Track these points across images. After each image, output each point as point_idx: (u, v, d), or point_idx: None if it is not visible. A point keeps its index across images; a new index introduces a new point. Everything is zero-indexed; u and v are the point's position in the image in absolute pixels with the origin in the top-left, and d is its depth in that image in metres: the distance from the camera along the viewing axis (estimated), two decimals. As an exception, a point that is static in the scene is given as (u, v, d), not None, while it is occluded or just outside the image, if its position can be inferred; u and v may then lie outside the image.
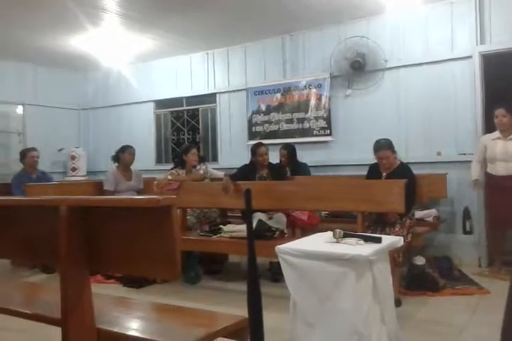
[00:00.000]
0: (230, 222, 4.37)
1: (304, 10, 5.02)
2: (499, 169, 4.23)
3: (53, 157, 7.30)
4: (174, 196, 1.53)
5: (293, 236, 3.99)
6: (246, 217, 1.95)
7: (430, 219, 4.55)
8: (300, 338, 2.38)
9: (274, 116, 6.02)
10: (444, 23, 4.95)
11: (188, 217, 4.63)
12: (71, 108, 7.77)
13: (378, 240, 2.44)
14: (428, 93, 5.05)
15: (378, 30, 5.30)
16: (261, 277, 2.72)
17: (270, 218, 4.31)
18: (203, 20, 5.33)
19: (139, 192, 5.27)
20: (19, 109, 7.03)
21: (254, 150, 4.60)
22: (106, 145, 7.41)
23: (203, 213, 4.73)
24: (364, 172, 4.17)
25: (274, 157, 5.09)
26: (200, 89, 6.74)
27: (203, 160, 5.11)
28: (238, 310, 1.98)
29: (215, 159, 6.63)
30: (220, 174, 4.85)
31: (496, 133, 4.28)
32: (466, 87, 4.82)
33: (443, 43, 4.97)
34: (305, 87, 5.78)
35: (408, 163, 4.04)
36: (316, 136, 5.72)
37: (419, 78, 5.10)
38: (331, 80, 5.59)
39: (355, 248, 2.32)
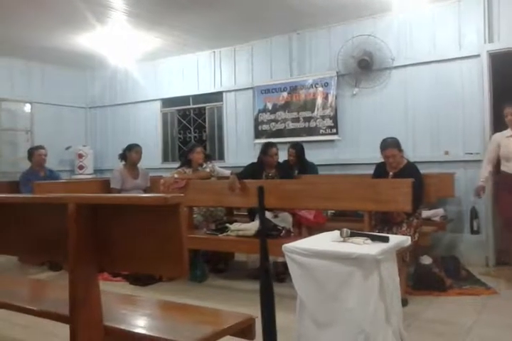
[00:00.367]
0: (236, 221, 4.37)
1: (310, 8, 5.01)
2: None
3: (61, 155, 7.35)
4: (182, 194, 1.53)
5: (299, 235, 3.98)
6: (259, 214, 1.94)
7: (437, 218, 4.53)
8: (307, 337, 2.37)
9: (281, 114, 6.01)
10: (451, 21, 4.92)
11: (195, 216, 4.64)
12: (78, 106, 7.82)
13: (386, 239, 2.43)
14: (435, 92, 5.02)
15: (385, 28, 5.26)
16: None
17: (275, 216, 4.30)
18: (210, 18, 5.33)
19: (145, 191, 5.28)
20: (27, 108, 7.06)
21: (265, 150, 4.55)
22: (113, 143, 7.46)
23: (209, 212, 4.73)
24: (371, 171, 4.15)
25: (281, 156, 5.08)
26: (206, 88, 6.74)
27: (209, 158, 5.12)
28: (245, 309, 1.98)
29: (221, 157, 6.63)
30: (227, 172, 4.85)
31: (509, 131, 4.21)
32: (474, 85, 4.79)
33: (450, 42, 4.93)
34: (311, 85, 5.76)
35: (415, 162, 4.01)
36: (323, 134, 5.70)
37: (427, 77, 5.07)
38: (338, 79, 5.57)
39: (363, 247, 2.31)
